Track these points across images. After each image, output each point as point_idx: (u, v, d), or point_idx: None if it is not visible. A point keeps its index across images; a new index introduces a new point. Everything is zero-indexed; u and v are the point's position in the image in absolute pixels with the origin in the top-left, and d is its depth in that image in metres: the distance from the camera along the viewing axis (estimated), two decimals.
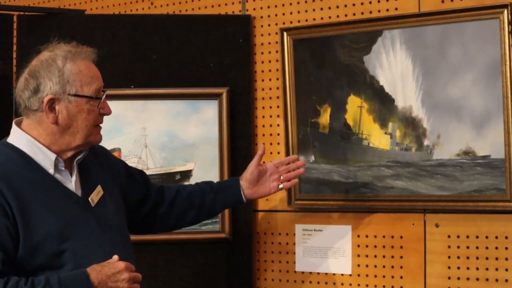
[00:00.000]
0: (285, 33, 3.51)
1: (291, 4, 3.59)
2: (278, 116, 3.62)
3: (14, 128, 2.60)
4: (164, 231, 3.10)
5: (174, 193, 2.99)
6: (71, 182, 2.58)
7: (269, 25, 3.65)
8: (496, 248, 3.12)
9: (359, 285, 3.43)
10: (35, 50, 2.63)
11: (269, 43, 3.65)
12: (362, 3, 3.41)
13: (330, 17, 3.49)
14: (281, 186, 3.06)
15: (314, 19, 3.52)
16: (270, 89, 3.65)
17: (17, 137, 2.57)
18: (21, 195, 2.45)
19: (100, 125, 2.63)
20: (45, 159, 2.54)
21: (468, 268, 3.18)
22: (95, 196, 2.62)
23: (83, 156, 2.63)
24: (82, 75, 2.54)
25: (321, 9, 3.51)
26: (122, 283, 2.44)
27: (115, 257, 2.48)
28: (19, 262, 2.43)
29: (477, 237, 3.16)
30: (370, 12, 3.38)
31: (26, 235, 2.43)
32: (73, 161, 2.60)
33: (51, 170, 2.54)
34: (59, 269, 2.45)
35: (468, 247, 3.18)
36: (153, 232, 3.07)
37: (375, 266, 3.40)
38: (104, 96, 2.60)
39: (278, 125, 3.61)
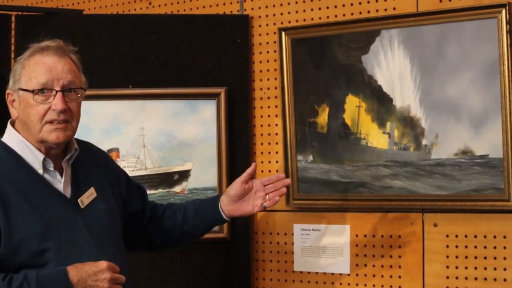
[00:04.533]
0: (283, 33, 3.51)
1: (289, 3, 3.58)
2: (276, 116, 3.61)
3: (8, 127, 2.62)
4: (151, 250, 3.06)
5: (161, 212, 2.96)
6: (60, 183, 2.57)
7: (267, 24, 3.65)
8: (495, 247, 3.12)
9: (357, 284, 3.43)
10: (20, 49, 2.65)
11: (267, 42, 3.65)
12: (360, 3, 3.41)
13: (328, 17, 3.49)
14: (264, 204, 2.94)
15: (312, 19, 3.52)
16: (268, 88, 3.65)
17: (10, 137, 2.60)
18: (5, 194, 2.46)
19: (60, 124, 2.52)
20: (34, 159, 2.55)
21: (466, 268, 3.18)
22: (86, 198, 2.61)
23: (73, 156, 2.63)
24: (30, 69, 2.53)
25: (319, 8, 3.51)
26: (103, 282, 2.42)
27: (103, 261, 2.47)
28: (1, 260, 2.43)
29: (475, 236, 3.16)
30: (368, 12, 3.39)
31: (7, 233, 2.43)
32: (63, 162, 2.60)
33: (40, 170, 2.55)
34: (41, 268, 2.44)
35: (466, 247, 3.18)
36: (141, 249, 3.02)
37: (374, 265, 3.40)
38: (67, 91, 2.53)
39: (276, 124, 3.61)
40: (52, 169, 2.57)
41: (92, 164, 2.72)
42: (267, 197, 2.94)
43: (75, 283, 2.40)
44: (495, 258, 3.12)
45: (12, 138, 2.59)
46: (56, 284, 2.39)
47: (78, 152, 2.65)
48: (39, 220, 2.47)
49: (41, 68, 2.53)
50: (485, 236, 3.14)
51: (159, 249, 3.06)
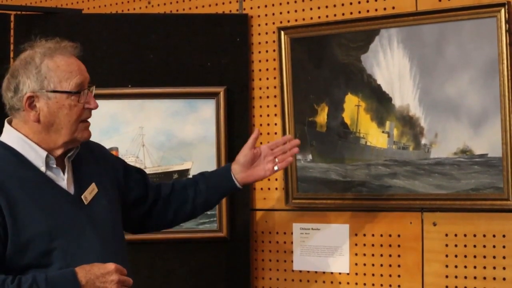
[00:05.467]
0: (282, 32, 3.51)
1: (288, 3, 3.58)
2: (275, 115, 3.62)
3: (6, 126, 2.60)
4: (163, 228, 3.06)
5: (169, 189, 2.96)
6: (63, 180, 2.57)
7: (266, 24, 3.65)
8: (494, 246, 3.12)
9: (357, 283, 3.44)
10: (19, 49, 2.64)
11: (266, 42, 3.65)
12: (359, 2, 3.41)
13: (327, 16, 3.49)
14: (276, 167, 2.97)
15: (311, 18, 3.52)
16: (268, 88, 3.65)
17: (9, 136, 2.58)
18: (11, 193, 2.44)
19: (89, 120, 2.60)
20: (37, 156, 2.54)
21: (465, 267, 3.19)
22: (89, 194, 2.61)
23: (74, 153, 2.62)
24: (60, 70, 2.53)
25: (318, 8, 3.51)
26: (111, 284, 2.42)
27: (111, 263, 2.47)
28: (8, 260, 2.43)
29: (474, 235, 3.16)
30: (367, 11, 3.38)
31: (15, 234, 2.42)
32: (65, 159, 2.60)
33: (42, 168, 2.54)
34: (48, 268, 2.44)
35: (465, 246, 3.19)
36: (152, 230, 3.03)
37: (373, 264, 3.40)
38: (91, 90, 2.58)
39: (276, 124, 3.61)
40: (55, 166, 2.56)
41: (91, 159, 2.72)
42: (276, 160, 2.97)
43: (84, 285, 2.39)
44: (494, 257, 3.12)
45: (11, 136, 2.57)
46: (65, 285, 2.39)
47: (79, 149, 2.65)
48: (45, 219, 2.47)
49: (73, 68, 2.55)
50: (484, 235, 3.14)
51: (171, 226, 3.04)
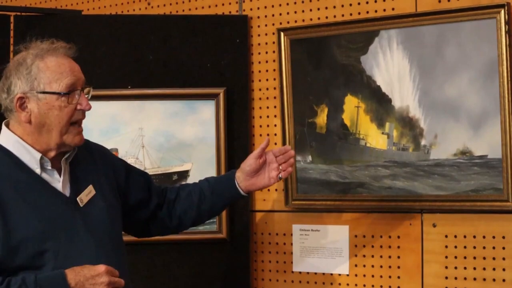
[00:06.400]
0: (282, 33, 3.51)
1: (287, 4, 3.59)
2: (275, 116, 3.62)
3: (3, 128, 2.60)
4: (168, 233, 3.03)
5: (174, 194, 2.94)
6: (59, 182, 2.56)
7: (266, 25, 3.65)
8: (494, 248, 3.12)
9: (356, 285, 3.43)
10: (15, 50, 2.63)
11: (266, 43, 3.65)
12: (358, 3, 3.41)
13: (327, 17, 3.49)
14: (280, 175, 2.93)
15: (311, 19, 3.52)
16: (267, 89, 3.65)
17: (5, 137, 2.58)
18: (3, 195, 2.44)
19: (88, 121, 2.58)
20: (31, 159, 2.54)
21: (465, 268, 3.18)
22: (85, 196, 2.60)
23: (72, 155, 2.62)
24: (50, 71, 2.51)
25: (318, 9, 3.51)
26: (100, 286, 2.41)
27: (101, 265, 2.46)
28: (0, 262, 2.43)
29: (474, 237, 3.16)
30: (367, 12, 3.39)
31: (6, 235, 2.42)
32: (61, 160, 2.59)
33: (37, 170, 2.54)
34: (40, 270, 2.44)
35: (465, 247, 3.18)
36: (157, 235, 3.01)
37: (373, 266, 3.40)
38: (84, 91, 2.56)
39: (275, 125, 3.61)
40: (49, 167, 2.56)
41: (90, 160, 2.71)
42: (280, 168, 2.92)
43: (73, 287, 2.39)
44: (494, 258, 3.12)
45: (7, 138, 2.57)
46: (54, 287, 2.39)
47: (76, 150, 2.64)
48: (38, 221, 2.47)
49: (64, 69, 2.53)
50: (484, 237, 3.14)
51: (176, 231, 3.02)
